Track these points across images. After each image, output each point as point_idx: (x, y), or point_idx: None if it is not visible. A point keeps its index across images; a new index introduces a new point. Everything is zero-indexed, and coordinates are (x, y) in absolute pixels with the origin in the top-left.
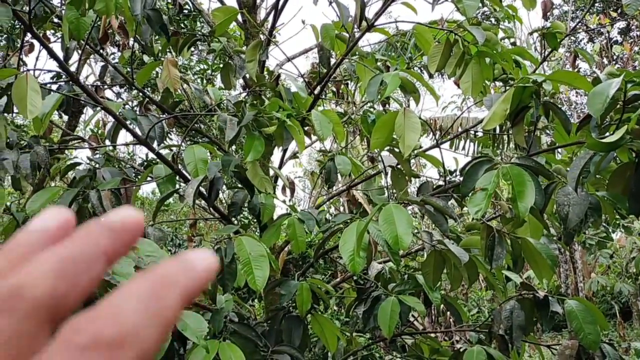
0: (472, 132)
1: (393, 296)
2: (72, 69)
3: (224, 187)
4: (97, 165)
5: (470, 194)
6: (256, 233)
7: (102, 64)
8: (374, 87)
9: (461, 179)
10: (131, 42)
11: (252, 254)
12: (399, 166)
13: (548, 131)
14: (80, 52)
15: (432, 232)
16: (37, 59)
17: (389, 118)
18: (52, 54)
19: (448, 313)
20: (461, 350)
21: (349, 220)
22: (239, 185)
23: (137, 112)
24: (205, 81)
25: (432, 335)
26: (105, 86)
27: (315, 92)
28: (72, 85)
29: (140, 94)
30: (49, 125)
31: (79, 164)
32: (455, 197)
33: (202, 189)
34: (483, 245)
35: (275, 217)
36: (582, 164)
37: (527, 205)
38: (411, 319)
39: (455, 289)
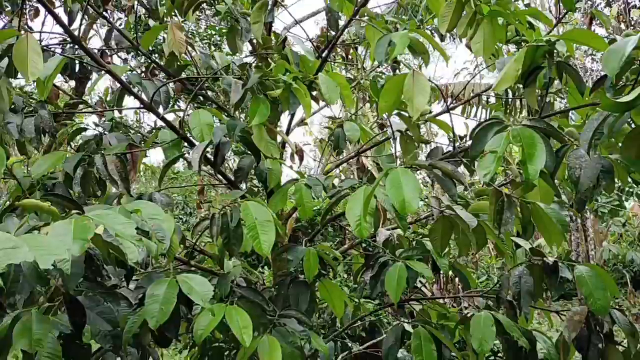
0: (485, 98)
1: (400, 262)
2: (77, 34)
3: (232, 153)
4: (103, 131)
5: (479, 158)
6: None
7: (108, 28)
8: (382, 48)
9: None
10: (135, 4)
11: (258, 218)
12: (407, 131)
13: (562, 94)
14: (83, 15)
15: (440, 197)
16: (42, 24)
17: (398, 81)
18: (54, 17)
19: (457, 280)
20: (469, 315)
21: (356, 186)
22: (247, 152)
23: (144, 78)
24: (213, 47)
25: (441, 301)
26: (112, 52)
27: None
28: (78, 49)
29: (148, 60)
30: (56, 91)
31: (86, 129)
32: (465, 162)
33: (210, 155)
34: (492, 210)
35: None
36: (596, 126)
37: (537, 168)
38: (419, 285)
39: (463, 254)
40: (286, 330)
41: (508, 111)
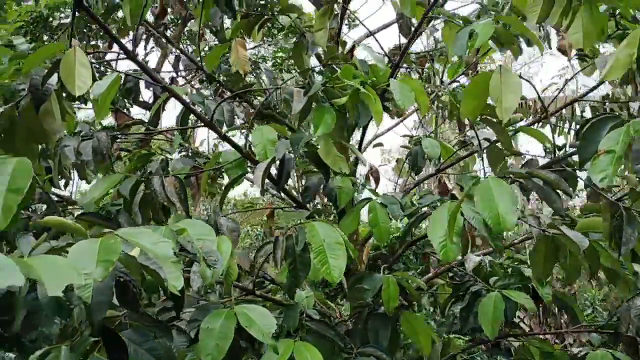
0: (579, 111)
1: (496, 291)
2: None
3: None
4: (170, 156)
5: (591, 160)
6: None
7: (176, 55)
8: (462, 40)
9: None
10: (192, 25)
11: (327, 241)
12: (496, 142)
13: None
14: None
15: (540, 215)
16: (117, 56)
17: (483, 79)
18: (110, 35)
19: (558, 313)
20: (579, 354)
21: (438, 203)
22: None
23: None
24: (283, 71)
25: (542, 337)
26: (184, 80)
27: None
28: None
29: (217, 84)
30: (123, 116)
31: (153, 154)
32: (570, 171)
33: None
34: (606, 228)
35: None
36: None
37: None
38: (516, 319)
39: (573, 281)
40: None
41: None
